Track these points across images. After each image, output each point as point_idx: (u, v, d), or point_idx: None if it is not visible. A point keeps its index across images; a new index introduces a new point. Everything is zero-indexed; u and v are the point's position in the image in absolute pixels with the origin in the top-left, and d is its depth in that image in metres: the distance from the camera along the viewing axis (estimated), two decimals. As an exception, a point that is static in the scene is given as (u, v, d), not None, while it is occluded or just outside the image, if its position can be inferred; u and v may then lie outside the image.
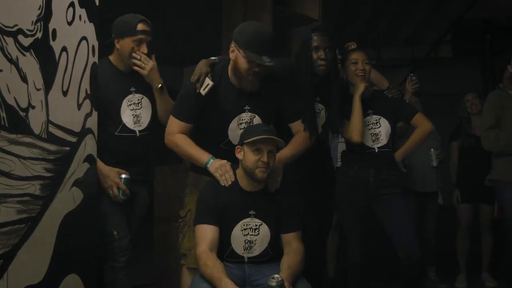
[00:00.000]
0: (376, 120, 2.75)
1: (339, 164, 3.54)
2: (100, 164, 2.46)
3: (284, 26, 3.57)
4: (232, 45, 2.30)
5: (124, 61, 2.54)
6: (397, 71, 5.79)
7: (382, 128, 2.73)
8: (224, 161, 2.28)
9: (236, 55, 2.28)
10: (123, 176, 2.48)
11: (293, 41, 3.73)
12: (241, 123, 2.36)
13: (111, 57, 2.58)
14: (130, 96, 2.55)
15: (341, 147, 3.50)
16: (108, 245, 2.49)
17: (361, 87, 2.69)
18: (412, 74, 3.32)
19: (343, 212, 2.82)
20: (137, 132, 2.55)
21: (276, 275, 2.04)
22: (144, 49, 2.49)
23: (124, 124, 2.53)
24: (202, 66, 2.37)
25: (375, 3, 5.42)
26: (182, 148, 2.36)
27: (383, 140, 2.72)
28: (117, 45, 2.53)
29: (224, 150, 2.35)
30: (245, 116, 2.37)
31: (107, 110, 2.50)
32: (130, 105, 2.55)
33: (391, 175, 2.73)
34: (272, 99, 2.42)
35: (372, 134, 2.73)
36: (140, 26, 2.50)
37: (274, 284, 2.01)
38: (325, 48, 2.58)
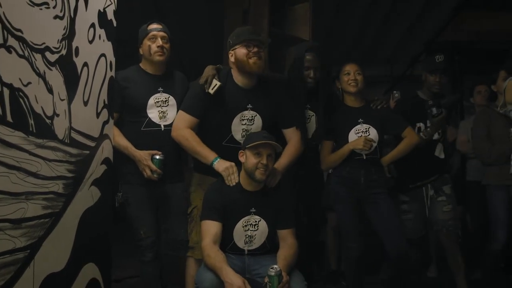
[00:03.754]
0: (366, 128, 2.69)
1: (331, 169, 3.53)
2: (133, 151, 2.43)
3: (279, 46, 3.59)
4: (230, 52, 2.35)
5: (149, 62, 2.52)
6: (378, 87, 5.82)
7: (371, 137, 2.67)
8: (232, 163, 2.28)
9: (234, 53, 2.33)
10: (157, 157, 2.41)
11: (286, 59, 3.75)
12: (243, 119, 2.37)
13: (140, 64, 2.58)
14: (157, 95, 2.50)
15: None
16: (135, 242, 2.48)
17: (359, 145, 2.59)
18: (395, 92, 3.27)
19: (339, 211, 2.77)
20: (162, 126, 2.49)
21: (275, 266, 2.05)
22: (159, 42, 2.47)
23: (149, 119, 2.48)
24: (209, 70, 2.40)
25: (359, 26, 5.46)
26: (191, 143, 2.35)
27: (371, 148, 2.66)
28: (140, 51, 2.54)
29: (226, 148, 2.35)
30: (247, 113, 2.39)
31: (135, 107, 2.48)
32: (157, 102, 2.50)
33: (380, 176, 2.70)
34: (271, 101, 2.44)
35: None
36: (150, 26, 2.51)
37: (273, 273, 2.02)
38: (315, 68, 2.59)
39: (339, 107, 2.76)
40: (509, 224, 2.87)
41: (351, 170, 2.68)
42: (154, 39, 2.49)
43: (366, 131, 2.69)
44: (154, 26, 2.53)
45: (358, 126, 2.70)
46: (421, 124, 2.93)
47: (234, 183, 2.24)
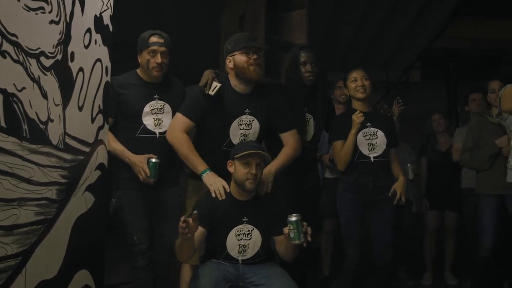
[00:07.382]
0: (374, 132, 2.70)
1: (326, 175, 3.52)
2: (129, 154, 2.41)
3: (275, 52, 3.59)
4: (228, 58, 2.34)
5: (146, 73, 2.50)
6: (372, 93, 5.82)
7: (379, 140, 2.69)
8: (223, 181, 2.26)
9: (233, 59, 2.32)
10: (153, 160, 2.39)
11: (282, 65, 3.76)
12: (241, 124, 2.38)
13: (138, 70, 2.55)
14: (153, 102, 2.48)
15: None
16: (129, 247, 2.46)
17: (356, 123, 2.63)
18: (398, 98, 3.32)
19: (343, 218, 2.73)
20: (157, 133, 2.47)
21: (294, 213, 2.02)
22: (158, 58, 2.43)
23: (144, 126, 2.47)
24: (208, 73, 2.40)
25: (354, 33, 5.48)
26: (184, 148, 2.34)
27: (379, 150, 2.67)
28: (139, 60, 2.51)
29: (225, 152, 2.33)
30: (245, 118, 2.39)
31: (130, 114, 2.46)
32: (152, 109, 2.48)
33: (388, 182, 2.70)
34: (268, 106, 2.44)
35: (369, 144, 2.68)
36: (152, 39, 2.45)
37: (294, 218, 2.00)
38: (312, 62, 2.61)
39: (332, 115, 2.77)
40: (496, 232, 2.86)
41: (359, 177, 2.67)
42: (154, 54, 2.44)
43: (374, 134, 2.70)
44: (155, 39, 2.46)
45: (366, 129, 2.71)
46: None
47: (220, 198, 2.22)
